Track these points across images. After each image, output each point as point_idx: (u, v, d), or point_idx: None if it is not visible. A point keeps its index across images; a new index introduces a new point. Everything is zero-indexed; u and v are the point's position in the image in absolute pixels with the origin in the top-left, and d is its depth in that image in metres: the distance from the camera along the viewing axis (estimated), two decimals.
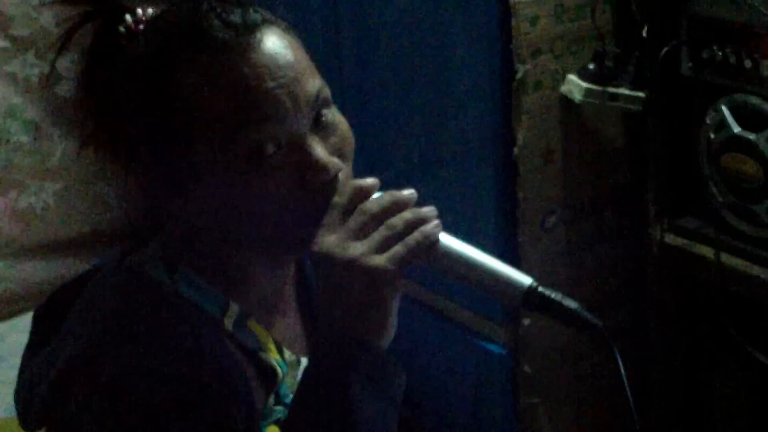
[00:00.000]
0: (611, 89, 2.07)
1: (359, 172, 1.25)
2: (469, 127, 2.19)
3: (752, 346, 1.99)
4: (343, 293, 1.17)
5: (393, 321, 1.19)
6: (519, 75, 2.08)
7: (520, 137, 2.12)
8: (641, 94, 2.05)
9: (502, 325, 2.24)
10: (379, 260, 1.15)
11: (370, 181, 1.20)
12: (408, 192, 1.20)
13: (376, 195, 1.20)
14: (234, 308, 1.27)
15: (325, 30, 2.45)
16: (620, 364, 1.19)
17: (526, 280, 1.20)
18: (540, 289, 1.19)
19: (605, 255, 2.22)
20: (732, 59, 1.89)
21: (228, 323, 1.26)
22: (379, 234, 1.17)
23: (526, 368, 2.22)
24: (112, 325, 1.22)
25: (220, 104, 1.17)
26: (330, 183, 1.19)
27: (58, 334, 1.27)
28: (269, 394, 1.28)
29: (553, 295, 1.18)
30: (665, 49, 1.96)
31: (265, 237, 1.22)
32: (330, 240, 1.17)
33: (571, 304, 1.19)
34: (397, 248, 1.16)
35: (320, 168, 1.19)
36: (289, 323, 1.36)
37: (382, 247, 1.16)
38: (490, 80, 2.14)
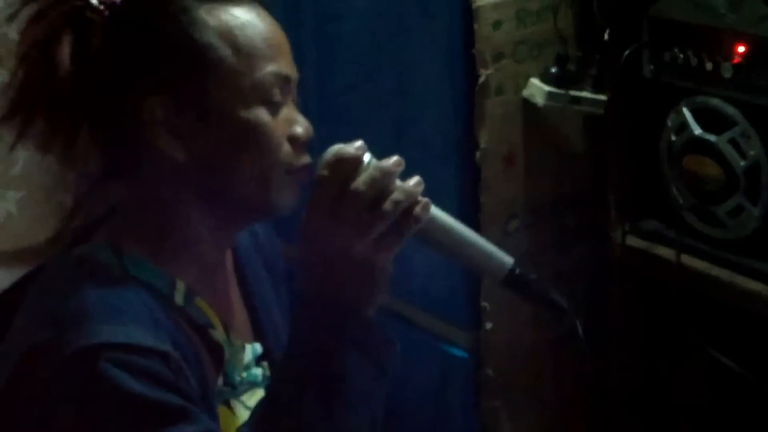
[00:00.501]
0: (573, 92, 2.08)
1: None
2: (431, 131, 2.19)
3: (713, 346, 2.01)
4: (336, 272, 1.21)
5: (382, 292, 1.25)
6: (481, 79, 2.09)
7: (483, 141, 2.12)
8: (603, 97, 2.06)
9: (464, 329, 2.24)
10: (378, 254, 1.21)
11: (358, 145, 1.23)
12: (394, 159, 1.23)
13: (366, 158, 1.23)
14: (181, 286, 1.31)
15: (287, 35, 2.44)
16: (586, 349, 1.29)
17: (508, 259, 1.28)
18: (520, 269, 1.27)
19: (567, 258, 2.23)
20: (693, 61, 1.90)
21: (178, 298, 1.30)
22: (375, 225, 1.20)
23: (488, 371, 2.22)
24: (68, 308, 1.24)
25: (245, 47, 1.29)
26: (306, 143, 1.31)
27: (10, 330, 1.29)
28: (218, 374, 1.32)
29: (530, 277, 1.27)
30: (627, 51, 1.97)
31: (250, 187, 1.29)
32: (325, 224, 1.21)
33: (545, 286, 1.28)
34: (394, 240, 1.21)
35: (306, 125, 1.32)
36: (233, 308, 1.41)
37: (378, 239, 1.21)
38: (453, 84, 2.14)
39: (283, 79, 1.31)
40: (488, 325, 2.19)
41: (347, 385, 1.21)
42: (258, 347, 1.42)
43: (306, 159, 1.31)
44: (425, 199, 1.24)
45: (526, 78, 2.13)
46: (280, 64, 1.31)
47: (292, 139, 1.30)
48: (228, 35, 1.28)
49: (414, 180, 1.23)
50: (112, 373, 1.18)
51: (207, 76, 1.27)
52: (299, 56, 2.45)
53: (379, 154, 2.33)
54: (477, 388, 2.25)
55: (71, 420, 1.19)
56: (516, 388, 2.26)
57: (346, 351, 1.21)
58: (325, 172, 1.22)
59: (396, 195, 1.21)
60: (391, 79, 2.23)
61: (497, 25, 2.09)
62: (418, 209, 1.22)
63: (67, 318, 1.22)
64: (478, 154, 2.13)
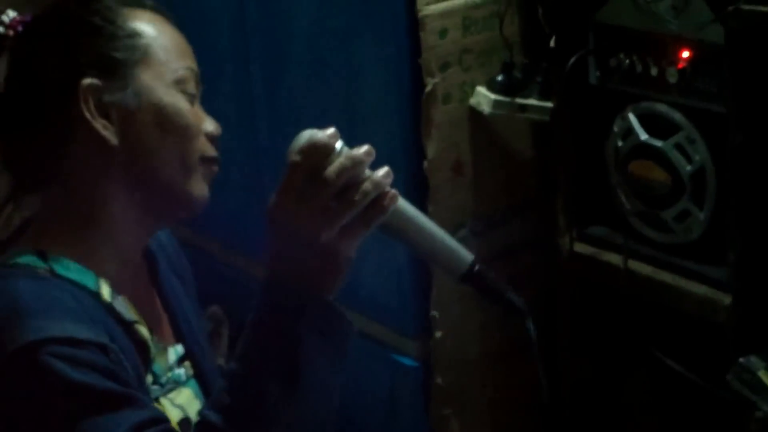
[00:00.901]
0: (520, 100, 2.09)
1: (274, 188, 1.27)
2: (378, 140, 2.15)
3: (661, 351, 2.02)
4: (303, 260, 1.24)
5: (344, 278, 1.28)
6: (428, 88, 2.10)
7: (430, 150, 2.13)
8: (549, 104, 2.07)
9: (414, 338, 2.24)
10: (343, 241, 1.24)
11: (331, 133, 1.26)
12: (365, 149, 1.26)
13: (338, 145, 1.25)
14: (106, 284, 1.37)
15: (234, 45, 2.44)
16: (536, 346, 1.33)
17: (469, 255, 1.32)
18: (479, 266, 1.31)
19: (516, 265, 2.24)
20: (639, 67, 1.91)
21: (106, 295, 1.35)
22: (343, 214, 1.23)
23: (438, 380, 2.22)
24: (1, 309, 1.27)
25: (164, 41, 1.44)
26: (216, 136, 1.45)
27: None
28: (146, 371, 1.37)
29: (488, 275, 1.31)
30: (572, 58, 1.98)
31: (171, 180, 1.40)
32: (294, 209, 1.23)
33: (501, 285, 1.32)
34: (360, 229, 1.25)
35: (216, 123, 1.45)
36: (153, 309, 1.47)
37: (345, 227, 1.24)
38: (399, 94, 2.15)
39: (196, 76, 1.46)
40: (438, 334, 2.19)
41: (309, 369, 1.24)
42: (180, 348, 1.47)
43: (216, 151, 1.45)
44: (393, 191, 1.27)
45: (473, 86, 2.14)
46: (193, 64, 1.46)
47: (205, 133, 1.44)
48: (150, 30, 1.43)
49: (383, 170, 1.26)
50: (55, 366, 1.21)
51: (135, 63, 1.40)
52: (247, 68, 2.48)
53: None
54: (427, 396, 2.25)
55: (18, 415, 1.22)
56: (466, 397, 2.26)
57: (308, 337, 1.24)
58: (297, 158, 1.24)
59: (366, 185, 1.24)
60: (338, 88, 2.23)
61: (443, 33, 2.10)
62: (386, 200, 1.25)
63: (2, 318, 1.26)
64: (425, 163, 2.13)
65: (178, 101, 1.41)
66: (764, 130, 1.77)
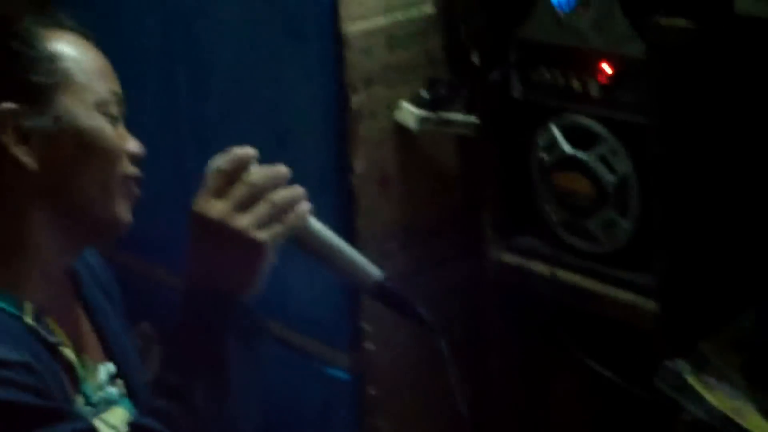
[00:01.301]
0: (445, 115, 2.12)
1: None
2: (307, 157, 2.20)
3: (590, 357, 2.06)
4: (222, 256, 1.29)
5: (262, 283, 1.31)
6: (353, 105, 2.11)
7: (357, 165, 2.14)
8: (474, 119, 2.10)
9: (346, 350, 2.26)
10: (263, 235, 1.28)
11: (251, 150, 1.32)
12: (284, 168, 1.32)
13: (253, 167, 1.31)
14: (29, 306, 1.36)
15: (160, 65, 2.44)
16: (448, 357, 1.41)
17: (378, 272, 1.37)
18: (388, 282, 1.37)
19: (446, 277, 2.26)
20: (561, 81, 1.95)
21: (28, 318, 1.34)
22: (262, 209, 1.28)
23: (371, 391, 2.24)
24: None
25: (85, 63, 1.42)
26: (140, 157, 1.44)
27: None
28: (76, 393, 1.37)
29: (398, 290, 1.37)
30: (495, 74, 2.02)
31: (93, 205, 1.39)
32: (218, 207, 1.28)
33: (411, 299, 1.38)
34: (277, 227, 1.29)
35: (139, 143, 1.45)
36: (81, 328, 1.47)
37: (264, 222, 1.28)
38: (326, 111, 2.16)
39: (119, 98, 1.44)
40: (369, 346, 2.21)
41: (232, 372, 1.28)
42: (111, 366, 1.47)
43: (138, 171, 1.44)
44: (307, 202, 1.34)
45: (398, 102, 2.17)
46: (115, 85, 1.45)
47: (127, 154, 1.43)
48: (70, 52, 1.41)
49: (298, 187, 1.33)
50: None
51: (55, 87, 1.38)
52: (172, 87, 2.47)
53: None
54: (360, 408, 2.26)
55: None
56: (399, 407, 2.28)
57: (231, 340, 1.28)
58: (216, 165, 1.30)
59: (281, 191, 1.30)
60: (266, 107, 2.24)
61: (367, 51, 2.12)
62: (301, 205, 1.32)
63: None
64: (353, 178, 2.15)
65: (99, 124, 1.40)
66: (684, 140, 1.82)
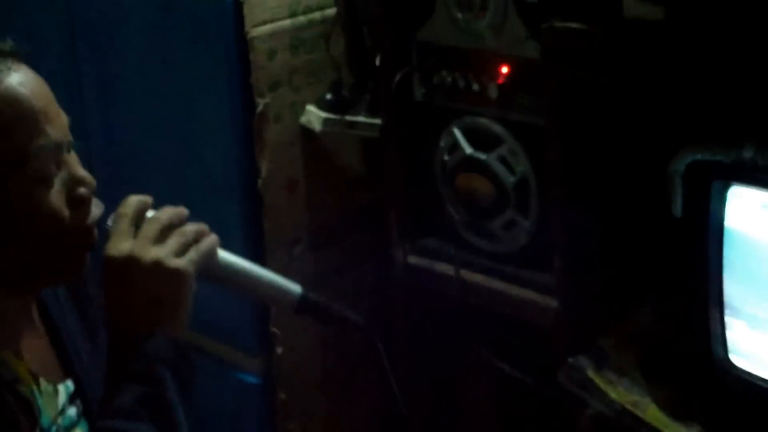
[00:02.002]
0: (349, 117, 2.14)
1: (110, 211, 1.31)
2: (214, 161, 2.21)
3: (495, 354, 2.08)
4: (145, 292, 1.26)
5: (188, 315, 1.30)
6: (259, 108, 2.13)
7: (264, 169, 2.16)
8: (378, 121, 2.12)
9: (255, 355, 2.26)
10: (180, 262, 1.27)
11: (147, 197, 1.31)
12: (184, 208, 1.31)
13: (151, 211, 1.30)
14: None
15: (66, 72, 2.42)
16: (383, 352, 1.39)
17: (297, 288, 1.36)
18: (310, 295, 1.36)
19: (354, 278, 2.29)
20: (461, 83, 1.97)
21: None
22: (174, 240, 1.28)
23: (282, 395, 2.25)
24: None
25: (4, 125, 1.23)
26: (90, 199, 1.30)
27: None
28: (35, 429, 1.31)
29: (321, 300, 1.36)
30: (397, 76, 2.03)
31: (41, 263, 1.29)
32: (128, 245, 1.26)
33: (336, 306, 1.37)
34: (192, 253, 1.28)
35: (86, 180, 1.30)
36: (41, 353, 1.40)
37: (179, 251, 1.27)
38: (232, 114, 2.17)
39: (55, 148, 1.27)
40: (279, 350, 2.22)
41: (173, 410, 1.25)
42: (70, 385, 1.42)
43: (91, 218, 1.30)
44: (213, 234, 1.32)
45: (303, 105, 2.18)
46: (49, 133, 1.25)
47: (74, 201, 1.28)
48: None
49: (202, 223, 1.32)
50: None
51: None
52: (79, 100, 2.46)
53: (166, 187, 2.34)
54: (272, 412, 2.27)
55: None
56: (311, 410, 2.30)
57: (168, 377, 1.25)
58: (119, 211, 1.29)
59: (189, 224, 1.30)
60: (172, 113, 2.24)
61: (272, 54, 2.13)
62: (210, 237, 1.31)
63: None
64: (259, 182, 2.16)
65: (25, 205, 1.25)
66: (580, 141, 1.85)
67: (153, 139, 2.29)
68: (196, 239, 1.29)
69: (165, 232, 1.28)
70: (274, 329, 2.21)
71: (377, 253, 2.23)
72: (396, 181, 2.15)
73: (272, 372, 2.25)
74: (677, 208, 1.73)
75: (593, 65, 1.78)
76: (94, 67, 2.38)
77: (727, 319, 1.66)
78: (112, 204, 1.32)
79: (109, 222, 1.30)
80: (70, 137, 1.31)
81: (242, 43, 2.11)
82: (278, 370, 2.24)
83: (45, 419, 1.33)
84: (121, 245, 1.26)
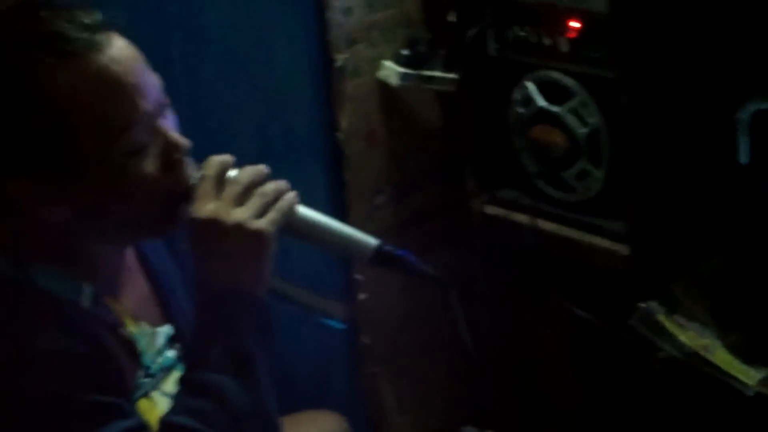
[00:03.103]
0: (425, 72, 2.18)
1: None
2: (295, 117, 2.26)
3: (570, 301, 2.13)
4: (229, 253, 1.31)
5: (270, 273, 1.35)
6: (338, 64, 2.18)
7: (344, 122, 2.21)
8: (453, 76, 2.16)
9: (340, 301, 2.32)
10: (261, 223, 1.32)
11: (228, 156, 1.35)
12: (264, 166, 1.36)
13: (232, 170, 1.35)
14: (87, 290, 1.35)
15: (154, 32, 2.48)
16: (458, 306, 1.45)
17: (373, 241, 1.40)
18: (384, 248, 1.40)
19: (432, 228, 2.33)
20: (533, 38, 2.01)
21: (85, 302, 1.34)
22: (255, 201, 1.33)
23: (366, 340, 2.31)
24: None
25: (99, 103, 1.25)
26: (184, 159, 1.34)
27: None
28: (136, 368, 1.38)
29: (395, 254, 1.40)
30: (472, 32, 2.07)
31: (139, 221, 1.33)
32: (211, 207, 1.32)
33: (411, 259, 1.41)
34: (272, 214, 1.33)
35: (179, 144, 1.32)
36: (141, 297, 1.46)
37: (259, 213, 1.32)
38: (311, 71, 2.22)
39: (149, 117, 1.29)
40: (362, 296, 2.28)
41: (256, 364, 1.31)
42: (170, 329, 1.47)
43: (185, 179, 1.33)
44: (293, 191, 1.36)
45: (380, 60, 2.22)
46: (142, 104, 1.27)
47: (169, 165, 1.31)
48: (69, 90, 1.23)
49: (282, 181, 1.36)
50: (36, 381, 1.22)
51: (68, 145, 1.24)
52: (165, 53, 2.52)
53: (249, 143, 2.40)
54: (356, 356, 2.34)
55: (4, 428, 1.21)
56: (393, 355, 2.36)
57: (251, 333, 1.31)
58: (202, 172, 1.34)
59: (269, 183, 1.35)
60: (254, 71, 2.28)
61: (348, 12, 2.17)
62: (290, 193, 1.36)
63: None
64: (340, 135, 2.21)
65: (124, 169, 1.27)
66: (650, 91, 1.88)
67: (235, 97, 2.34)
68: (276, 198, 1.34)
69: (246, 193, 1.33)
70: (358, 276, 2.27)
71: (455, 204, 2.28)
72: (472, 133, 2.19)
73: (356, 317, 2.30)
74: (744, 155, 1.76)
75: (662, 16, 1.80)
76: (182, 26, 2.43)
77: None
78: (197, 161, 1.37)
79: (192, 181, 1.34)
80: (162, 99, 1.33)
81: (319, 2, 2.15)
82: (362, 316, 2.30)
83: (146, 359, 1.40)
84: (204, 207, 1.31)
